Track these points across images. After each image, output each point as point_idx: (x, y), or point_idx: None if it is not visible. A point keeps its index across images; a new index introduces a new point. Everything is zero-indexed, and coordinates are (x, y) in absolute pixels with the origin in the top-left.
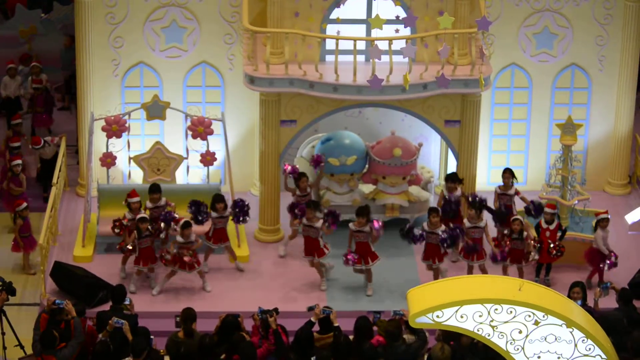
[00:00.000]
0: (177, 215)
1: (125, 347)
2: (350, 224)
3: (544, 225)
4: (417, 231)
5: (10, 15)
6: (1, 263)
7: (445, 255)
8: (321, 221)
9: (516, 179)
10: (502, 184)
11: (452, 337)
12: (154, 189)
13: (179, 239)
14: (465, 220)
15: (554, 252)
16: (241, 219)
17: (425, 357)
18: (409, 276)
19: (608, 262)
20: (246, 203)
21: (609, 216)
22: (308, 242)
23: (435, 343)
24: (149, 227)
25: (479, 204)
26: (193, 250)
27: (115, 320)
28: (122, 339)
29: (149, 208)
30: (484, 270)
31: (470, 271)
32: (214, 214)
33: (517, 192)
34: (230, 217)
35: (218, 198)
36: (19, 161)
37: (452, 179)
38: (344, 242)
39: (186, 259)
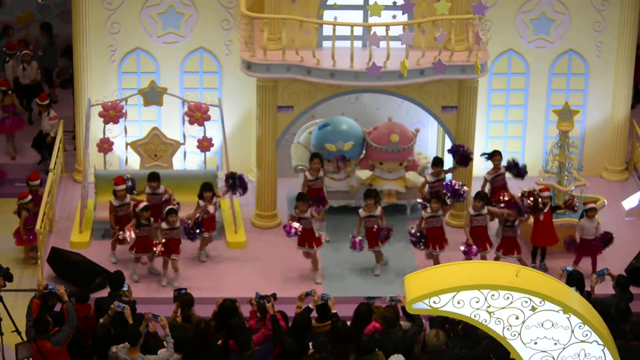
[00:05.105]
0: (175, 203)
1: (126, 331)
2: (360, 210)
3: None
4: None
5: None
6: (2, 250)
7: (445, 242)
8: (310, 210)
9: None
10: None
11: (445, 323)
12: (153, 177)
13: (164, 225)
14: (470, 209)
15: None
16: (239, 192)
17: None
18: (407, 262)
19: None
20: (238, 175)
21: (596, 206)
22: (303, 233)
23: (430, 329)
24: (150, 216)
25: (483, 195)
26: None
27: (117, 304)
28: (123, 324)
29: (147, 194)
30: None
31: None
32: (202, 203)
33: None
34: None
35: (206, 187)
36: (38, 181)
37: (436, 163)
38: (346, 229)
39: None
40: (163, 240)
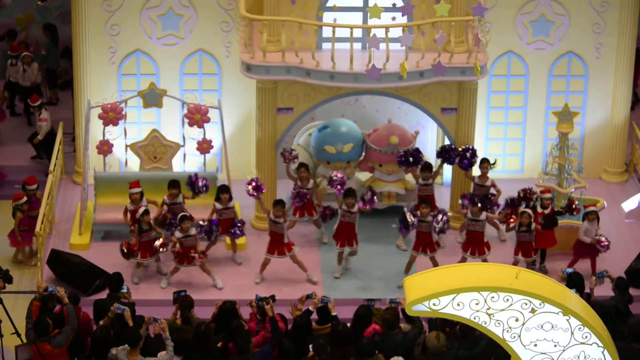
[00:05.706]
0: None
1: (126, 333)
2: (341, 208)
3: (539, 210)
4: (409, 218)
5: None
6: (2, 252)
7: (437, 245)
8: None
9: (493, 165)
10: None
11: (445, 326)
12: (174, 184)
13: (178, 234)
14: (468, 213)
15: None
16: (197, 192)
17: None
18: (405, 264)
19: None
20: (196, 179)
21: (597, 209)
22: (273, 237)
23: (431, 331)
24: (151, 221)
25: (483, 199)
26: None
27: (117, 306)
28: (122, 325)
29: (167, 204)
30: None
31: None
32: (218, 206)
33: (493, 185)
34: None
35: (223, 189)
36: (35, 185)
37: (424, 168)
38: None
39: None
40: (178, 249)
